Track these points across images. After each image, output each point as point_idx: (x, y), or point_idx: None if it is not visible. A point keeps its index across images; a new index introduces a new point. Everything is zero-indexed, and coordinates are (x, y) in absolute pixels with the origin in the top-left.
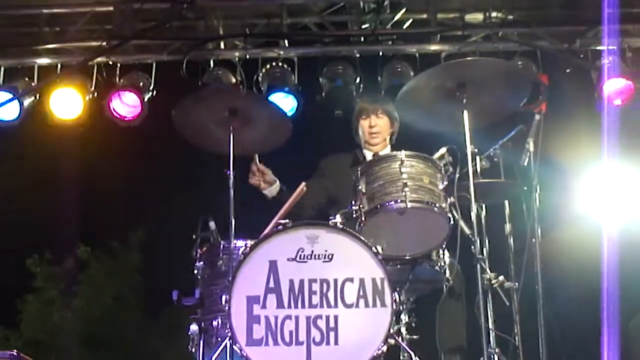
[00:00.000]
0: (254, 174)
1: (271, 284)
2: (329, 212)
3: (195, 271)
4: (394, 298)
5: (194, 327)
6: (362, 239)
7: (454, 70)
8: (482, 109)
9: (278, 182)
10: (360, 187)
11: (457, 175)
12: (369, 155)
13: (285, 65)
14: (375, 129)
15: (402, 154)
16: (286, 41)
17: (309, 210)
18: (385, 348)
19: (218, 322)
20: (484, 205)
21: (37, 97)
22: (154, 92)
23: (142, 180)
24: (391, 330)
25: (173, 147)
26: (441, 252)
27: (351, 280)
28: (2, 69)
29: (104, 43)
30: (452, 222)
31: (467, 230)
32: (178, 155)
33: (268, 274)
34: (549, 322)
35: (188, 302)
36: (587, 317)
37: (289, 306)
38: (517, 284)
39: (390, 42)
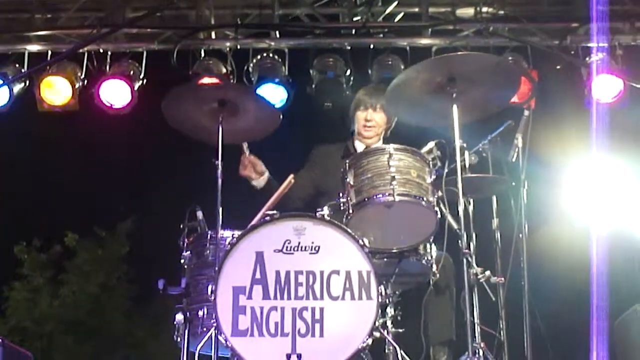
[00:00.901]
0: (244, 166)
1: (257, 275)
2: (319, 203)
3: (182, 261)
4: (380, 291)
5: (179, 317)
6: (349, 231)
7: (444, 65)
8: (472, 103)
9: (267, 172)
10: (348, 180)
11: (446, 170)
12: (360, 147)
13: (276, 56)
14: (371, 123)
15: (390, 147)
16: (277, 32)
17: (296, 202)
18: (370, 341)
19: (204, 312)
20: (471, 200)
21: (27, 83)
22: (144, 80)
23: (130, 169)
24: (376, 323)
25: (162, 136)
26: (428, 246)
27: (337, 272)
28: None
29: (95, 31)
30: (439, 216)
31: (454, 225)
32: (167, 144)
33: (254, 265)
34: (535, 318)
35: (174, 292)
36: (572, 312)
37: (275, 297)
38: (503, 279)
39: (381, 35)
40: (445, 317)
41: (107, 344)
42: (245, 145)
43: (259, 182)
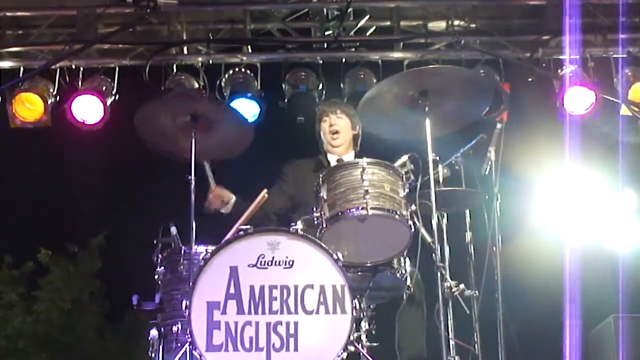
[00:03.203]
0: (211, 202)
1: (232, 290)
2: (293, 217)
3: (156, 276)
4: (354, 305)
5: (153, 332)
6: (323, 245)
7: (416, 78)
8: (444, 116)
9: (233, 197)
10: (321, 194)
11: (419, 183)
12: (332, 160)
13: (248, 71)
14: (335, 128)
15: (363, 161)
16: (249, 47)
17: (272, 217)
18: (345, 355)
19: (178, 327)
20: (445, 214)
21: None
22: (117, 96)
23: (103, 185)
24: (351, 337)
25: (135, 151)
26: (402, 259)
27: (311, 286)
28: None
29: (67, 47)
30: (413, 229)
31: (428, 238)
32: (140, 159)
33: (229, 280)
34: (509, 331)
35: (148, 307)
36: (547, 325)
37: (249, 312)
38: (477, 292)
39: (353, 49)
40: (416, 332)
41: None
42: (208, 168)
43: (227, 208)
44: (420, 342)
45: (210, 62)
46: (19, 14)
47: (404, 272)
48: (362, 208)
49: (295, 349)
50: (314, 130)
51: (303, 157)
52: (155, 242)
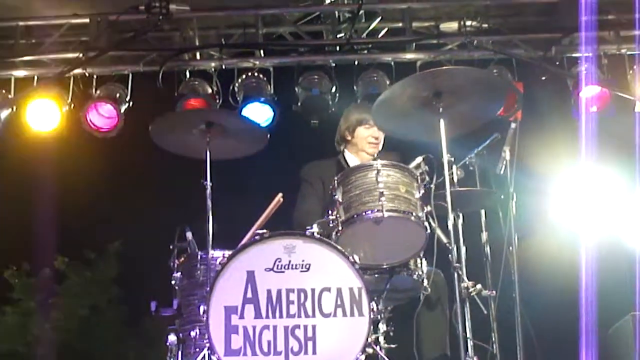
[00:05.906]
0: None
1: (249, 294)
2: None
3: (173, 282)
4: (372, 307)
5: (172, 338)
6: (339, 248)
7: (429, 79)
8: (458, 117)
9: None
10: (337, 197)
11: (434, 184)
12: (354, 163)
13: (261, 75)
14: (378, 140)
15: (378, 163)
16: (262, 51)
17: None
18: (363, 357)
19: (196, 332)
20: (460, 214)
21: (14, 109)
22: (131, 103)
23: (119, 191)
24: (369, 340)
25: (150, 157)
26: (419, 261)
27: (328, 289)
28: None
29: (81, 55)
30: (428, 231)
31: (444, 239)
32: (155, 165)
33: (246, 284)
34: (527, 330)
35: (166, 313)
36: (565, 324)
37: (267, 316)
38: (494, 291)
39: (365, 51)
40: (438, 332)
41: None
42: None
43: None
44: (443, 341)
45: (223, 67)
46: (31, 23)
47: (420, 273)
48: (378, 210)
49: (314, 352)
50: (329, 132)
51: (321, 160)
52: (171, 247)
